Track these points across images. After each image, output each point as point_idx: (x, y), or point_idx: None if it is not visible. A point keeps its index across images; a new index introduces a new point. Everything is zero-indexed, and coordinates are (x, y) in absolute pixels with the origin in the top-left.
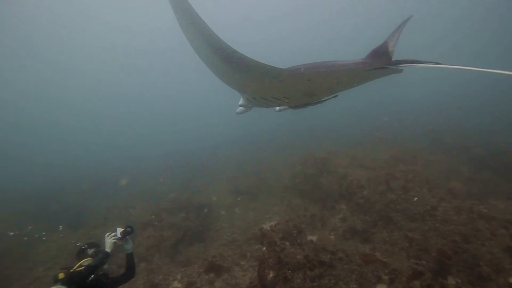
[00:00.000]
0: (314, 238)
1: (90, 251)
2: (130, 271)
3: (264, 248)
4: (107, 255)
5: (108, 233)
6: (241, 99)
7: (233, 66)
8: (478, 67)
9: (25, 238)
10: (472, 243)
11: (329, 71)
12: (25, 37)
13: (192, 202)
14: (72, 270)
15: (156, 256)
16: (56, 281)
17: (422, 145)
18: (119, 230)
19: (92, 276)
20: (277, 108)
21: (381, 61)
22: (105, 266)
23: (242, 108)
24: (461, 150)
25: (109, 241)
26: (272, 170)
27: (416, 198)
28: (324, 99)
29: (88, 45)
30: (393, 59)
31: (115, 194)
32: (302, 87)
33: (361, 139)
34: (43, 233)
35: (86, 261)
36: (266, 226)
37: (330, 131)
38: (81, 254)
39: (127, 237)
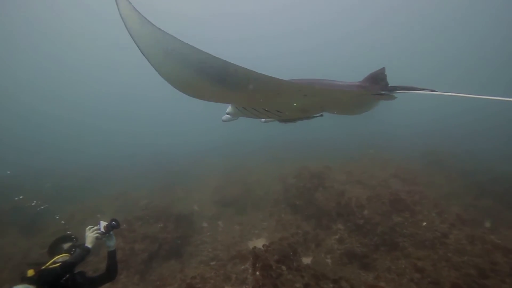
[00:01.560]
0: (308, 260)
1: (66, 246)
2: (111, 271)
3: (257, 273)
4: (87, 251)
5: (89, 227)
6: (230, 106)
7: (228, 84)
8: (487, 95)
9: None
10: (490, 279)
11: (329, 89)
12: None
13: (171, 211)
14: (44, 267)
15: (123, 274)
16: (24, 279)
17: (420, 166)
18: (103, 223)
19: (67, 275)
20: (263, 119)
21: (378, 87)
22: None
23: (229, 116)
24: (460, 174)
25: (90, 236)
26: (261, 182)
27: (425, 223)
28: (313, 116)
29: (83, 37)
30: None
31: (82, 196)
32: (297, 102)
33: (353, 155)
34: None
35: (61, 257)
36: (254, 243)
37: (321, 146)
38: (55, 248)
39: (111, 232)
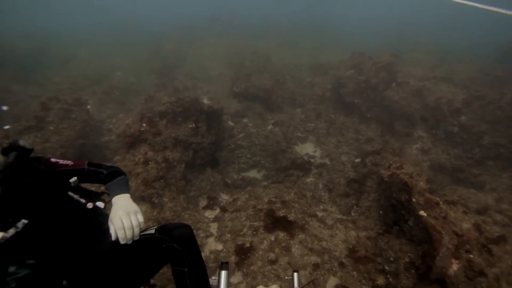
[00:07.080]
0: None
1: None
2: None
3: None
4: None
5: None
6: None
7: None
8: None
9: None
10: None
11: None
12: None
13: (200, 105)
14: None
15: (165, 196)
16: None
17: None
18: None
19: None
20: None
21: None
22: None
23: None
24: None
25: None
26: (289, 70)
27: None
28: None
29: None
30: None
31: (40, 76)
32: None
33: (394, 45)
34: None
35: None
36: (302, 148)
37: (341, 30)
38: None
39: None
